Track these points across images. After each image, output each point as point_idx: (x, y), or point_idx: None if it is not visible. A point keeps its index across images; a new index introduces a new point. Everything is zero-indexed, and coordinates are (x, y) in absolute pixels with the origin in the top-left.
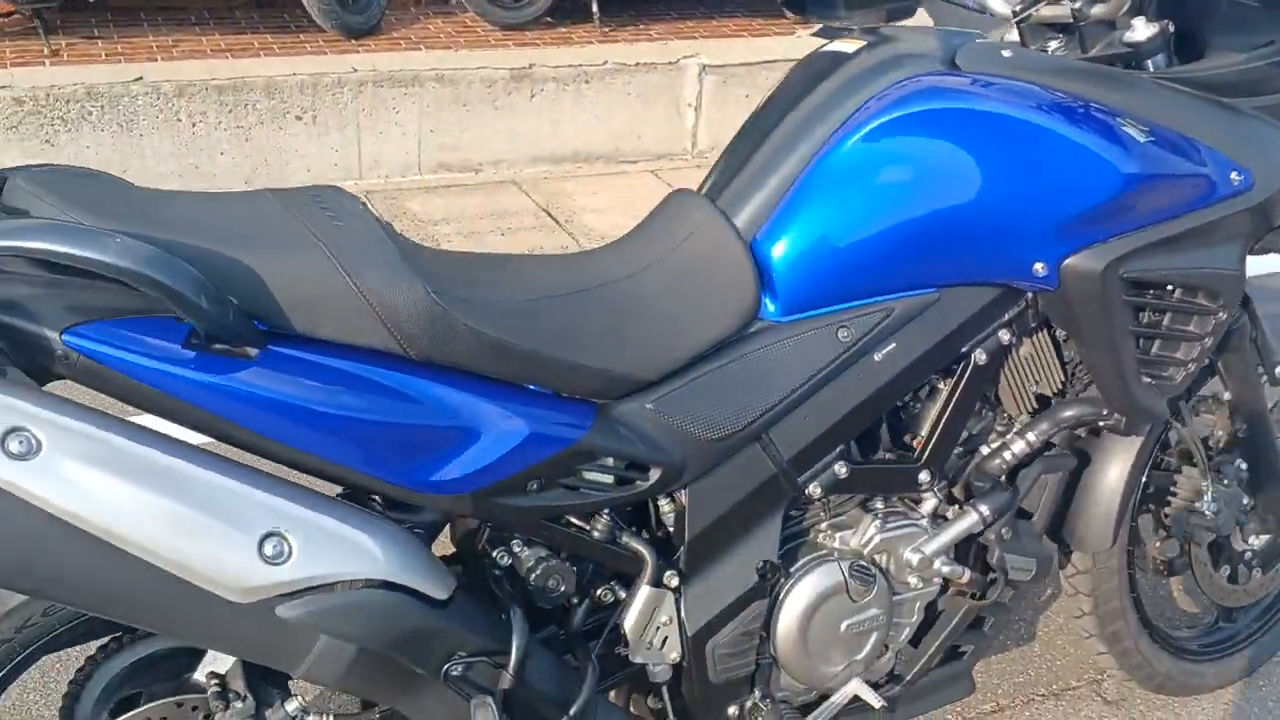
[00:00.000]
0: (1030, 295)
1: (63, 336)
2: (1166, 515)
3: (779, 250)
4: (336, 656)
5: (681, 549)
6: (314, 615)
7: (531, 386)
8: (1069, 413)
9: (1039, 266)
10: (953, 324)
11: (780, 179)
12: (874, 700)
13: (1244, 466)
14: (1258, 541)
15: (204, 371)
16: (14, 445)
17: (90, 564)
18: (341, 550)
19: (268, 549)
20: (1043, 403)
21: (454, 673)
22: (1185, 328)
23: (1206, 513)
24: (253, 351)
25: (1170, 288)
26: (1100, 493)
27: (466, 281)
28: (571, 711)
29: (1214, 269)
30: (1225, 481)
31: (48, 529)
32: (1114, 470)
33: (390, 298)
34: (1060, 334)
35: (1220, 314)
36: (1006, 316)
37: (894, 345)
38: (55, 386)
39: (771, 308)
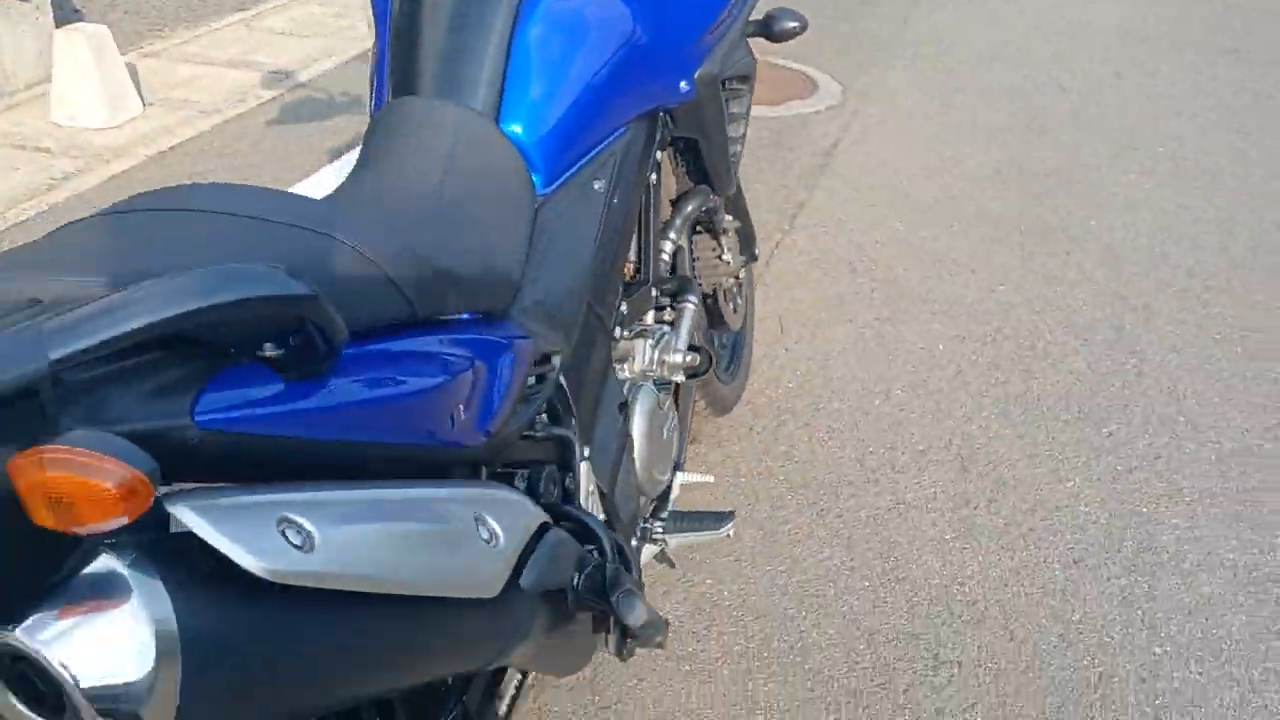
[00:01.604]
0: (664, 116)
1: (194, 419)
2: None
3: (523, 129)
4: (557, 608)
5: (575, 423)
6: (537, 578)
7: (464, 315)
8: (691, 205)
9: (684, 84)
10: (642, 153)
11: (492, 64)
12: (703, 478)
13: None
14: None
15: (309, 399)
16: (293, 537)
17: (380, 629)
18: (518, 511)
19: (484, 534)
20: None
21: (582, 585)
22: (740, 109)
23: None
24: (325, 366)
25: (729, 79)
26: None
27: (365, 224)
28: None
29: (747, 59)
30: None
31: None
32: None
33: (393, 257)
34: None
35: (750, 94)
36: (658, 138)
37: (623, 184)
38: None
39: (537, 183)
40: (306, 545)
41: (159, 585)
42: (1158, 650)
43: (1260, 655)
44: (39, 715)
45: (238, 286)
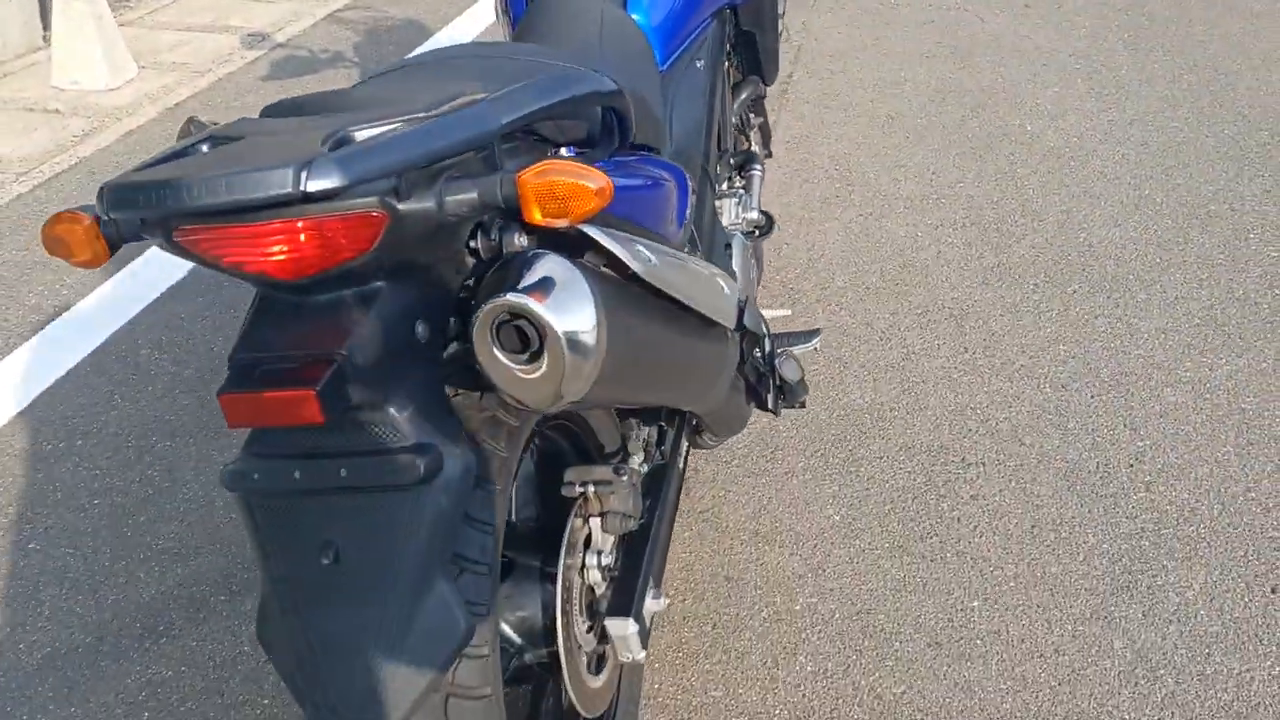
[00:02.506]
0: (729, 13)
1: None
2: None
3: (644, 17)
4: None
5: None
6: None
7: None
8: (746, 91)
9: None
10: (722, 42)
11: None
12: (783, 311)
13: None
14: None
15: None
16: (649, 256)
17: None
18: (728, 281)
19: (721, 285)
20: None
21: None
22: (783, 8)
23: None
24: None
25: None
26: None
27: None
28: None
29: None
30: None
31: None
32: None
33: (625, 89)
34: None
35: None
36: (728, 30)
37: (714, 66)
38: None
39: (657, 58)
40: (654, 263)
41: (586, 274)
42: (1140, 444)
43: (1221, 439)
44: (516, 362)
45: (584, 83)
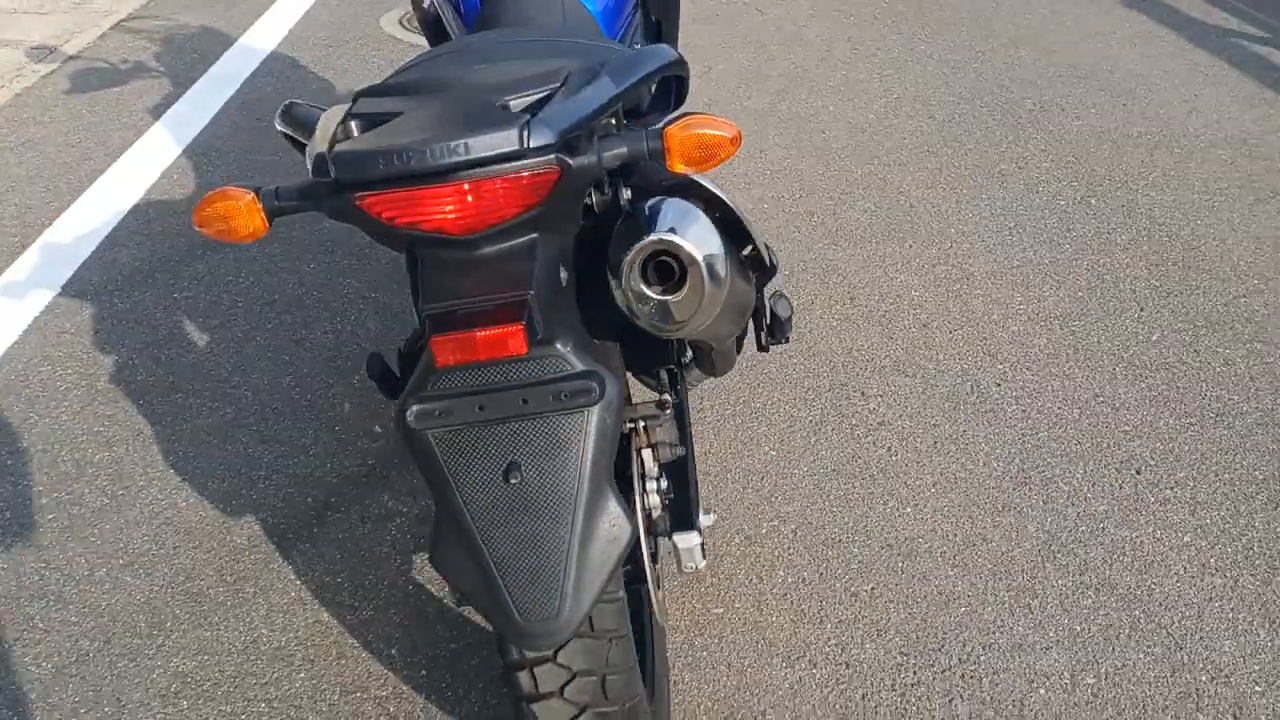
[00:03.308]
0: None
1: None
2: None
3: (591, 6)
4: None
5: None
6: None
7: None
8: None
9: None
10: (643, 23)
11: None
12: None
13: None
14: None
15: None
16: None
17: None
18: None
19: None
20: None
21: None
22: None
23: None
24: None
25: None
26: None
27: None
28: None
29: None
30: None
31: None
32: None
33: None
34: None
35: None
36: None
37: (644, 39)
38: None
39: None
40: (733, 204)
41: (707, 214)
42: (1000, 366)
43: (1063, 356)
44: (659, 293)
45: (665, 54)
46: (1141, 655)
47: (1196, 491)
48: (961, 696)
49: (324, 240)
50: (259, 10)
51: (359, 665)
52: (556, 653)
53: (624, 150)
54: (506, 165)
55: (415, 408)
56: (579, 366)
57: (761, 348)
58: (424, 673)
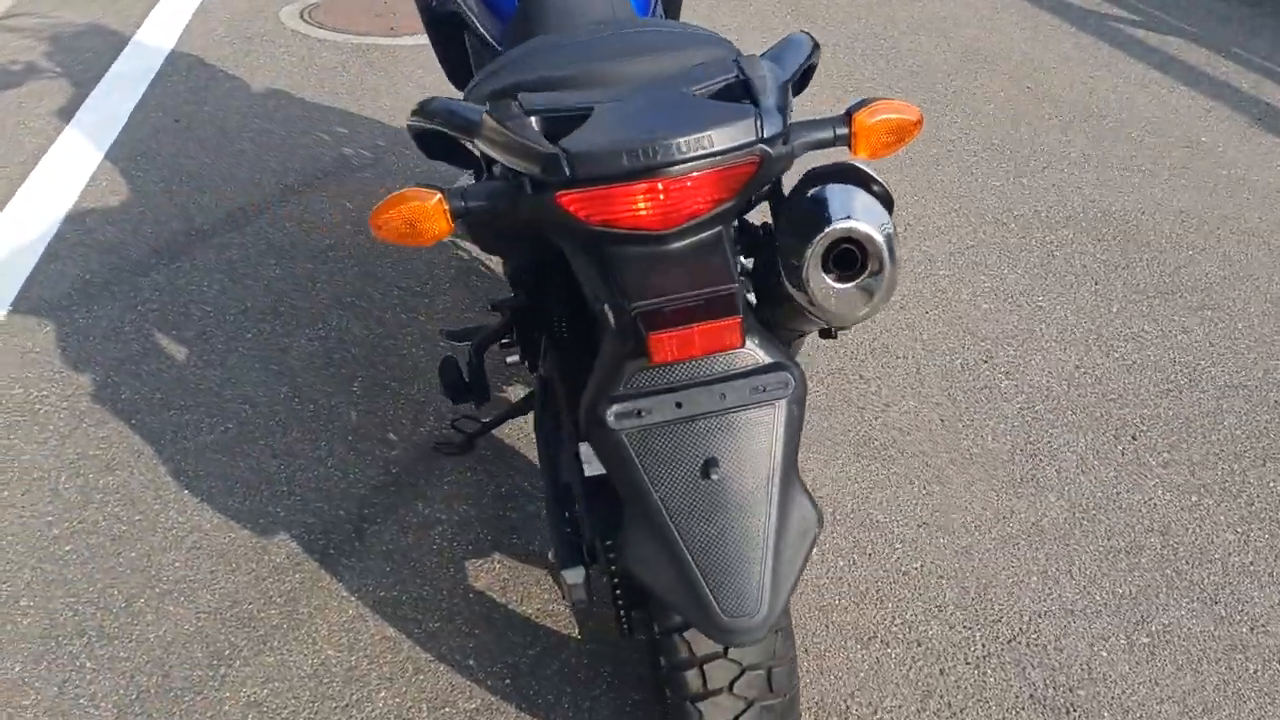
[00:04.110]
0: None
1: None
2: None
3: None
4: None
5: None
6: None
7: None
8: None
9: None
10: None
11: None
12: None
13: None
14: None
15: None
16: None
17: None
18: None
19: None
20: None
21: None
22: None
23: None
24: None
25: None
26: None
27: None
28: None
29: None
30: None
31: None
32: None
33: None
34: None
35: None
36: None
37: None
38: None
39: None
40: None
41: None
42: (983, 345)
43: (1039, 331)
44: (845, 282)
45: (806, 43)
46: (1184, 612)
47: (1190, 453)
48: (1032, 664)
49: (277, 244)
50: (144, 6)
51: (440, 679)
52: (727, 648)
53: (814, 139)
54: (721, 158)
55: (614, 408)
56: (768, 358)
57: (831, 335)
58: (508, 682)
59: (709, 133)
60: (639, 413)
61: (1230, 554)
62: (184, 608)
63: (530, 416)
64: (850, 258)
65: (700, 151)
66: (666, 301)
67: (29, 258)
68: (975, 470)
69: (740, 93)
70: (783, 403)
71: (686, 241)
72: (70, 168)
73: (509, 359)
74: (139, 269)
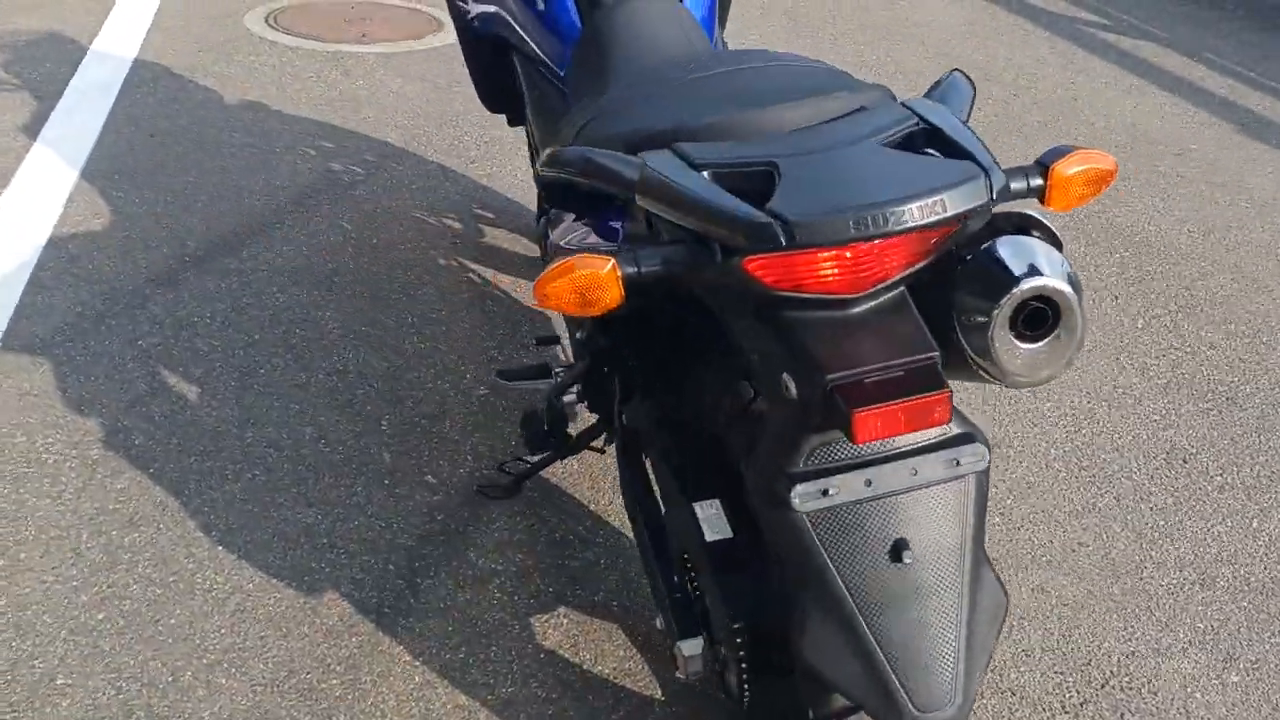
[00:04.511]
0: None
1: None
2: None
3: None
4: None
5: None
6: None
7: None
8: None
9: None
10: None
11: None
12: None
13: None
14: None
15: None
16: None
17: None
18: None
19: None
20: None
21: None
22: None
23: None
24: None
25: None
26: None
27: None
28: None
29: None
30: None
31: None
32: None
33: None
34: None
35: None
36: None
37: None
38: None
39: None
40: None
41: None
42: None
43: None
44: (1028, 341)
45: (965, 86)
46: (1268, 647)
47: (1243, 476)
48: (1130, 710)
49: (278, 270)
50: (99, 14)
51: None
52: None
53: (1010, 190)
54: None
55: (799, 488)
56: (958, 428)
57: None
58: None
59: (941, 196)
60: (825, 492)
61: None
62: (237, 680)
63: (580, 455)
64: (1040, 316)
65: (935, 217)
66: (864, 373)
67: (12, 290)
68: (1035, 500)
69: (923, 142)
70: (975, 474)
71: (872, 304)
72: (45, 189)
73: (564, 399)
74: (135, 300)
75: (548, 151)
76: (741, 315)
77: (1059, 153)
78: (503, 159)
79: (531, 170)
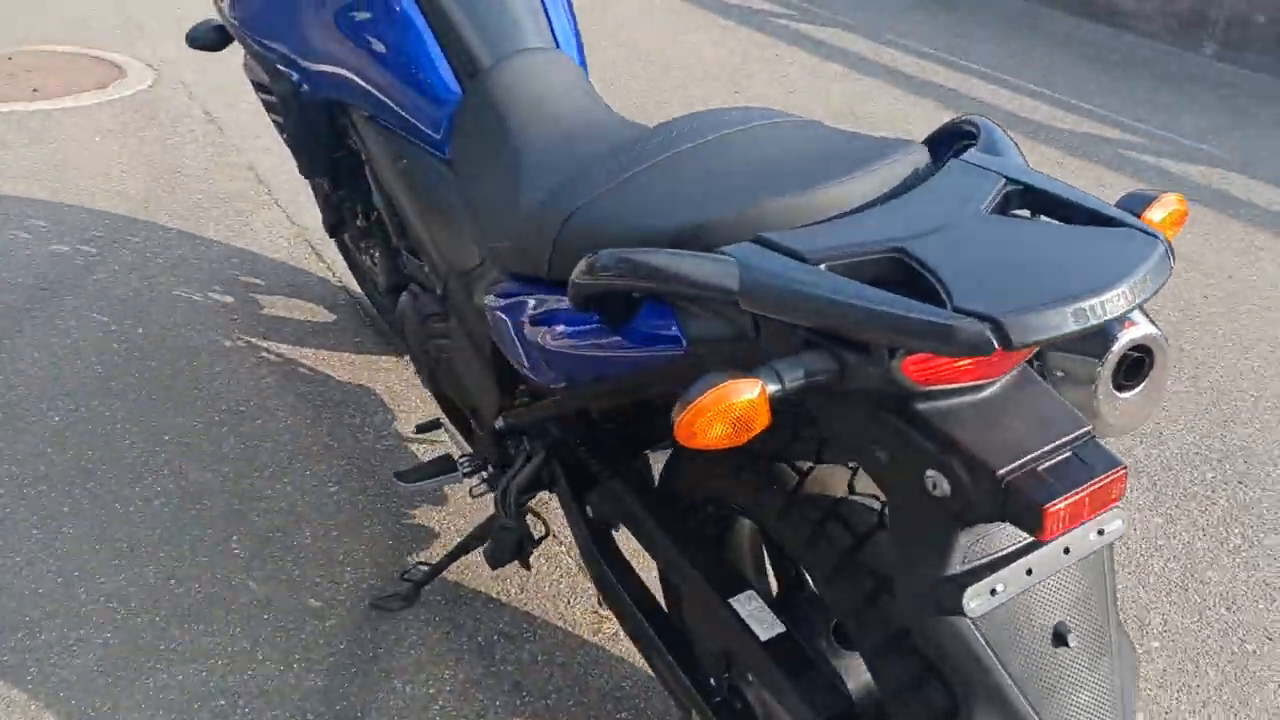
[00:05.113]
0: None
1: None
2: None
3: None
4: None
5: None
6: None
7: None
8: None
9: None
10: None
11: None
12: None
13: None
14: None
15: None
16: None
17: None
18: None
19: None
20: None
21: None
22: None
23: None
24: None
25: None
26: None
27: None
28: None
29: None
30: None
31: None
32: None
33: None
34: None
35: None
36: None
37: None
38: None
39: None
40: None
41: None
42: None
43: None
44: (1126, 391)
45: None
46: None
47: None
48: None
49: (38, 383)
50: None
51: None
52: None
53: None
54: None
55: (971, 590)
56: None
57: None
58: None
59: (1144, 273)
60: (994, 591)
61: None
62: None
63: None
64: (1137, 365)
65: (1143, 297)
66: (1032, 461)
67: None
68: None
69: (1018, 203)
70: (1113, 540)
71: (1002, 383)
72: None
73: (469, 486)
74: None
75: (587, 259)
76: (856, 411)
77: (1145, 199)
78: (249, 213)
79: (328, 231)
